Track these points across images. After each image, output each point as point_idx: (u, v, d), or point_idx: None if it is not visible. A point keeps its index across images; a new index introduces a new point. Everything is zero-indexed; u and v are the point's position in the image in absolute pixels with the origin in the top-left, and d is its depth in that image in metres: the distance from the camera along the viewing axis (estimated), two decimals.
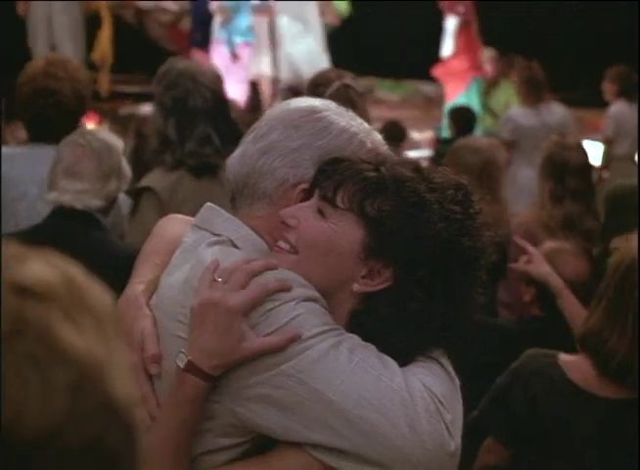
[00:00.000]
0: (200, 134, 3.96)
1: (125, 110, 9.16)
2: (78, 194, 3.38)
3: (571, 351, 3.04)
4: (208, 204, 1.97)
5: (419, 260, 1.76)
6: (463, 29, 10.42)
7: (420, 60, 11.80)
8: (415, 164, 1.89)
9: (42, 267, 0.80)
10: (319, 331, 1.73)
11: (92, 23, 11.02)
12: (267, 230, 1.88)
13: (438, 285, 1.77)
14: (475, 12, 10.57)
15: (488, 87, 9.99)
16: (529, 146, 7.25)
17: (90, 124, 6.06)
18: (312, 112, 1.94)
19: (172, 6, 12.41)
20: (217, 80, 4.10)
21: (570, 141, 4.91)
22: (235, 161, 1.96)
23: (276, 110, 2.01)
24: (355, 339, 1.76)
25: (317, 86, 4.10)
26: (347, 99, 4.30)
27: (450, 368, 1.83)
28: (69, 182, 3.39)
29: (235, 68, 10.25)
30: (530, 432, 2.95)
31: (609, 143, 7.96)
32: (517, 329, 3.74)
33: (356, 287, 1.80)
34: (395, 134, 7.71)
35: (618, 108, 8.10)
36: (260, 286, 1.72)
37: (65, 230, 3.28)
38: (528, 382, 2.95)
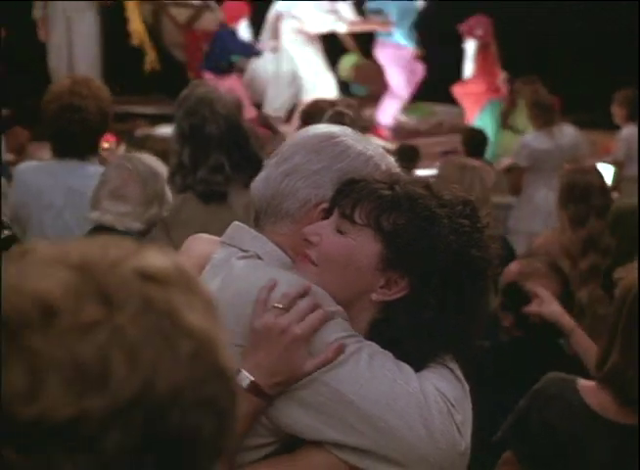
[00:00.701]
0: (212, 162, 4.09)
1: (141, 131, 9.26)
2: (121, 216, 3.48)
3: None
4: (236, 223, 2.10)
5: (432, 270, 1.88)
6: (481, 52, 10.52)
7: (436, 82, 11.87)
8: (426, 183, 2.03)
9: (159, 258, 0.96)
10: (341, 336, 1.85)
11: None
12: (290, 246, 2.01)
13: (450, 294, 1.89)
14: (493, 34, 10.64)
15: (509, 108, 10.07)
16: (545, 168, 7.38)
17: (107, 144, 6.16)
18: (331, 137, 2.08)
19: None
20: (235, 108, 4.20)
21: (585, 165, 5.12)
22: (259, 183, 2.09)
23: (297, 136, 2.17)
24: (374, 346, 1.88)
25: (312, 116, 4.21)
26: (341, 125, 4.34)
27: (459, 373, 1.95)
28: (113, 204, 3.49)
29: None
30: (548, 456, 2.98)
31: (619, 165, 8.04)
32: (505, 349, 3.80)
33: (375, 296, 1.92)
34: (410, 156, 7.82)
35: (629, 131, 8.22)
36: (322, 316, 1.86)
37: None
38: (547, 406, 2.98)
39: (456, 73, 11.43)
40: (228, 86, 10.85)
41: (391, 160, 2.12)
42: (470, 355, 1.99)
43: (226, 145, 4.11)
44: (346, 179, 2.00)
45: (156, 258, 0.95)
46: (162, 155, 6.04)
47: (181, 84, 11.63)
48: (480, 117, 10.17)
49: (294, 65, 10.98)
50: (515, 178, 7.84)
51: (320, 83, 10.80)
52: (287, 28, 10.71)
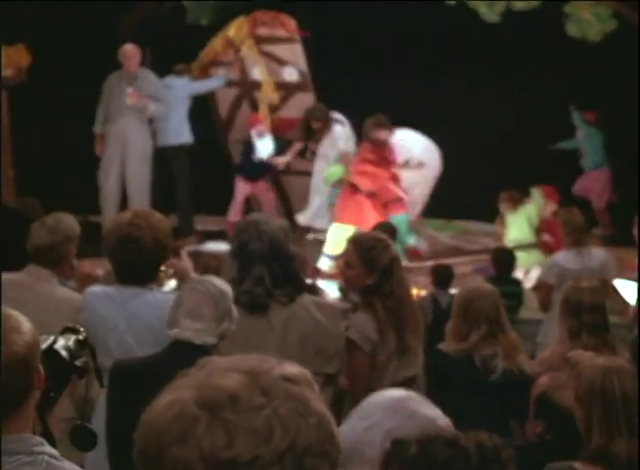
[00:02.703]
0: (255, 275, 4.50)
1: (191, 247, 9.75)
2: (198, 332, 3.93)
3: None
4: None
5: None
6: None
7: (468, 200, 12.25)
8: (451, 439, 2.52)
9: (292, 368, 1.58)
10: None
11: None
12: None
13: None
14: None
15: (501, 222, 10.50)
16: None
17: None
18: (405, 400, 2.68)
19: (289, 76, 12.84)
20: (280, 231, 4.62)
21: (584, 284, 5.65)
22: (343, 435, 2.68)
23: (377, 396, 2.75)
24: None
25: (370, 249, 4.71)
26: (390, 258, 4.96)
27: None
28: (191, 322, 3.94)
29: None
30: None
31: None
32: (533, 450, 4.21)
33: None
34: (444, 277, 8.19)
35: None
36: None
37: (183, 361, 3.78)
38: None
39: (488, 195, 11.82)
40: (258, 191, 11.77)
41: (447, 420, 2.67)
42: None
43: (267, 261, 4.51)
44: (391, 441, 2.54)
45: (290, 367, 1.58)
46: (216, 271, 6.55)
47: (226, 202, 12.16)
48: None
49: None
50: (544, 295, 8.15)
51: None
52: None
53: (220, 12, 12.44)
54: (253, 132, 12.00)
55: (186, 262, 5.05)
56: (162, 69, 12.57)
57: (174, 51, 12.56)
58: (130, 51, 11.15)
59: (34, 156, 11.62)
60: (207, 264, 7.26)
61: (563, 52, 11.85)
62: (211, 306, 3.97)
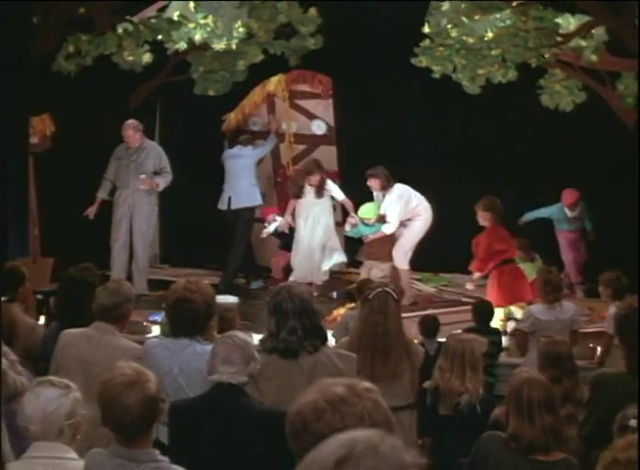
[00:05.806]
0: (289, 327, 5.48)
1: None
2: (232, 374, 4.86)
3: None
4: None
5: None
6: None
7: (452, 254, 13.09)
8: None
9: (368, 384, 2.58)
10: None
11: None
12: None
13: None
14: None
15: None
16: (545, 335, 8.58)
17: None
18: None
19: (317, 129, 13.68)
20: (307, 294, 5.67)
21: (557, 339, 6.95)
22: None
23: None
24: None
25: (362, 289, 5.84)
26: (385, 302, 6.17)
27: None
28: (225, 367, 4.87)
29: None
30: None
31: (609, 337, 8.92)
32: None
33: None
34: (431, 327, 9.07)
35: (615, 310, 8.72)
36: None
37: (224, 398, 4.89)
38: (486, 456, 4.84)
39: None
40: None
41: None
42: None
43: (298, 316, 5.46)
44: None
45: (368, 384, 2.53)
46: (232, 321, 7.59)
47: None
48: None
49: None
50: (520, 341, 9.07)
51: None
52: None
53: (226, 84, 13.46)
54: (269, 218, 13.01)
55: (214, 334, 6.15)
56: (170, 136, 13.67)
57: (183, 117, 13.65)
58: (128, 127, 12.05)
59: (57, 216, 12.45)
60: (223, 316, 8.20)
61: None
62: (239, 353, 4.91)
